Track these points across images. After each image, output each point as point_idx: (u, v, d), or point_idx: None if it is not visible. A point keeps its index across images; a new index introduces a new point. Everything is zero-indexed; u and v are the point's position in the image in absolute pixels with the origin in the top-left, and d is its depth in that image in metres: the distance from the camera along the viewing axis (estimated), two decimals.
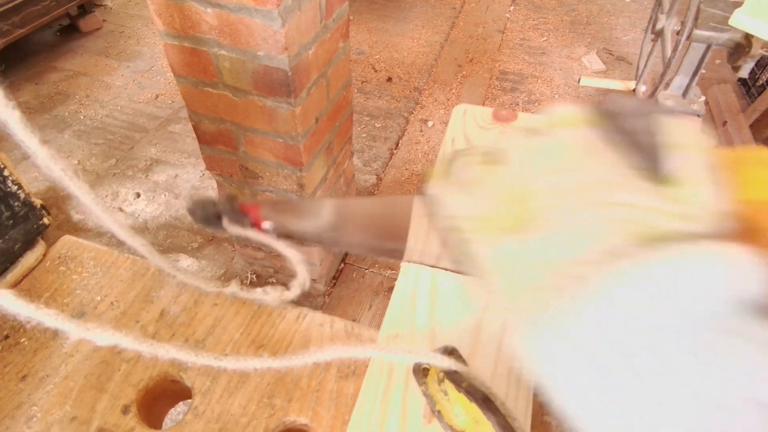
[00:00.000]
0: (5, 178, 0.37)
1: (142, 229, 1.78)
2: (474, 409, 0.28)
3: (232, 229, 0.41)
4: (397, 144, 2.18)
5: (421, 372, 0.31)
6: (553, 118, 0.22)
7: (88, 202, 0.35)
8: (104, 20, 2.90)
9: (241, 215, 0.41)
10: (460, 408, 0.28)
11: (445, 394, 0.29)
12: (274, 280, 1.63)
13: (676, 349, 0.16)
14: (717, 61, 2.69)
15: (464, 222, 0.23)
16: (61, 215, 1.83)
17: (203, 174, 1.99)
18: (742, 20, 1.21)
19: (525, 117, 0.54)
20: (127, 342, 0.29)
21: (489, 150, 0.25)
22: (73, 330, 0.28)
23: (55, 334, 0.36)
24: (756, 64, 2.28)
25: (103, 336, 0.28)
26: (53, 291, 0.38)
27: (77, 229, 1.79)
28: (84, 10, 2.73)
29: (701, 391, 0.16)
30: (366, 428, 0.28)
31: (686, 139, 0.20)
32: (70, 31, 2.80)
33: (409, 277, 0.36)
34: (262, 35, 0.93)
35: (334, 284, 1.65)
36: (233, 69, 1.01)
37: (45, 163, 0.32)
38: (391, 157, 2.11)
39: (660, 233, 0.18)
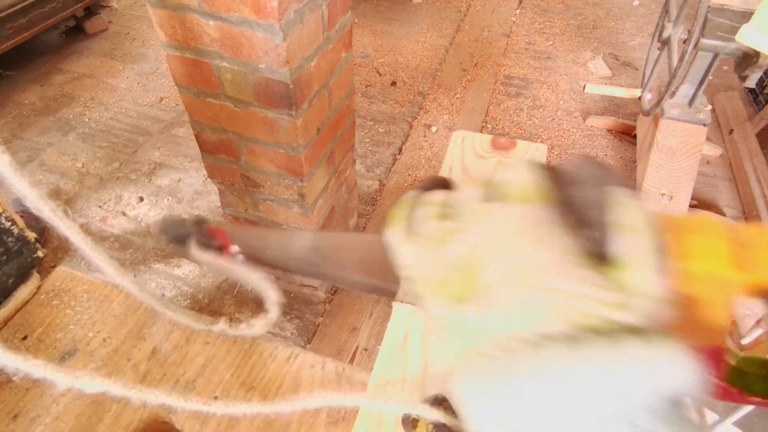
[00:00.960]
0: None
1: (144, 233, 1.79)
2: None
3: (198, 252, 0.41)
4: (401, 149, 2.18)
5: (410, 423, 0.30)
6: (509, 187, 0.23)
7: (78, 243, 0.35)
8: (110, 22, 2.91)
9: (208, 238, 0.41)
10: None
11: None
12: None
13: None
14: (725, 68, 2.67)
15: (416, 276, 0.24)
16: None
17: (206, 178, 1.99)
18: (749, 36, 1.20)
19: (524, 145, 0.53)
20: (116, 389, 0.29)
21: (447, 202, 0.25)
22: (61, 379, 0.28)
23: None
24: (764, 72, 2.26)
25: (92, 384, 0.28)
26: (46, 326, 0.38)
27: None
28: (90, 11, 2.75)
29: None
30: None
31: (634, 219, 0.20)
32: (75, 32, 2.81)
33: (401, 318, 0.36)
34: (263, 48, 0.92)
35: (335, 291, 1.65)
36: (235, 81, 1.01)
37: (35, 204, 0.32)
38: (394, 163, 2.11)
39: (592, 324, 0.19)
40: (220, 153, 1.22)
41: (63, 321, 0.39)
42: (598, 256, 0.20)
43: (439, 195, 0.26)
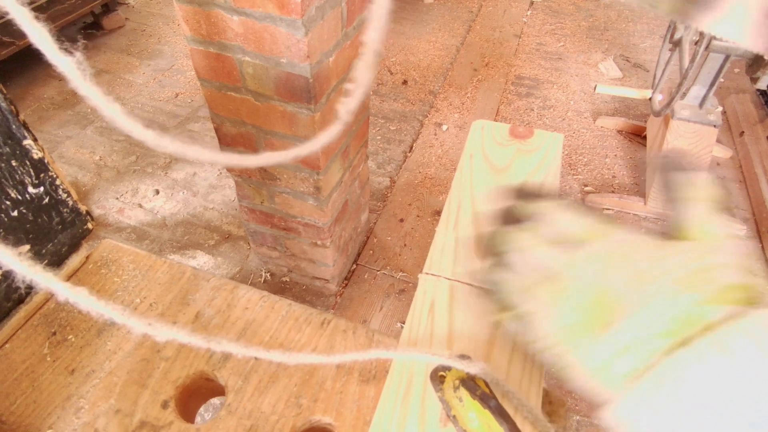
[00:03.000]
0: (57, 186, 0.40)
1: (160, 225, 1.82)
2: (487, 415, 0.30)
3: None
4: (411, 147, 2.20)
5: (438, 379, 0.33)
6: (581, 233, 0.27)
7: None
8: (127, 19, 2.96)
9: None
10: (474, 414, 0.31)
11: (460, 400, 0.31)
12: (288, 279, 1.67)
13: None
14: (736, 70, 2.67)
15: (554, 337, 0.26)
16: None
17: (220, 173, 2.03)
18: None
19: (541, 134, 0.56)
20: (182, 336, 0.32)
21: (536, 278, 0.28)
22: (137, 325, 0.30)
23: (99, 332, 0.39)
24: None
25: (163, 330, 0.31)
26: (96, 292, 0.41)
27: (97, 223, 1.84)
28: (107, 8, 2.79)
29: None
30: (387, 429, 0.31)
31: (700, 192, 0.25)
32: (93, 28, 2.86)
33: (428, 288, 0.39)
34: (285, 43, 0.95)
35: (346, 285, 1.67)
36: (256, 75, 1.04)
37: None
38: (405, 160, 2.13)
39: (731, 292, 0.21)
40: (238, 146, 1.25)
41: (111, 288, 0.42)
42: (679, 233, 0.24)
43: (524, 279, 0.29)
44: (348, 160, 1.38)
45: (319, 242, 1.45)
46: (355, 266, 1.74)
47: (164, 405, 0.35)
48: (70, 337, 0.39)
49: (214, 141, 2.14)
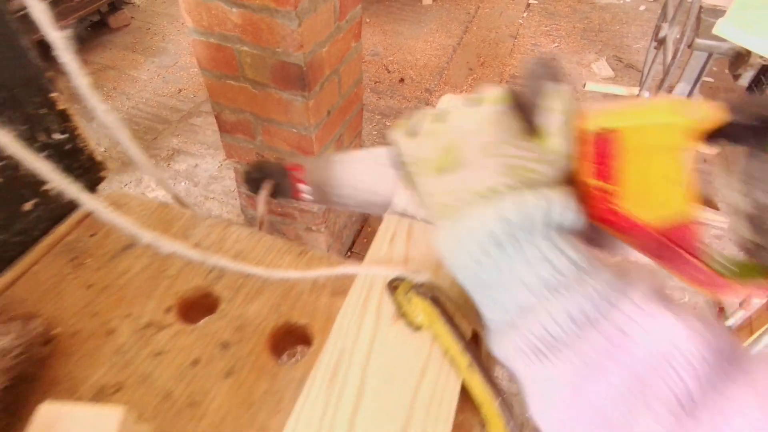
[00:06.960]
0: (77, 135, 0.47)
1: None
2: (429, 308, 0.37)
3: (262, 197, 0.47)
4: None
5: (392, 287, 0.40)
6: (482, 96, 0.33)
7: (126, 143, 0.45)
8: (132, 17, 3.04)
9: (285, 176, 0.46)
10: (419, 310, 0.38)
11: (409, 301, 0.38)
12: None
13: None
14: (726, 71, 2.74)
15: (412, 161, 0.34)
16: None
17: (221, 164, 2.10)
18: (725, 29, 1.28)
19: None
20: (184, 250, 0.39)
21: (438, 111, 0.34)
22: (146, 236, 0.38)
23: (113, 257, 0.46)
24: (765, 74, 2.32)
25: (166, 244, 0.38)
26: (109, 228, 0.48)
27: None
28: (114, 7, 2.88)
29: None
30: (348, 325, 0.38)
31: (556, 103, 0.30)
32: (100, 26, 2.94)
33: (391, 223, 0.46)
34: (281, 33, 1.03)
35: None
36: (254, 64, 1.12)
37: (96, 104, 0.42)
38: None
39: (524, 177, 0.29)
40: (237, 133, 1.33)
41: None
42: (534, 132, 0.30)
43: (431, 109, 0.37)
44: (342, 149, 1.45)
45: (314, 227, 1.52)
46: (349, 254, 1.80)
47: (167, 310, 0.42)
48: (87, 260, 0.45)
49: (215, 135, 2.22)
